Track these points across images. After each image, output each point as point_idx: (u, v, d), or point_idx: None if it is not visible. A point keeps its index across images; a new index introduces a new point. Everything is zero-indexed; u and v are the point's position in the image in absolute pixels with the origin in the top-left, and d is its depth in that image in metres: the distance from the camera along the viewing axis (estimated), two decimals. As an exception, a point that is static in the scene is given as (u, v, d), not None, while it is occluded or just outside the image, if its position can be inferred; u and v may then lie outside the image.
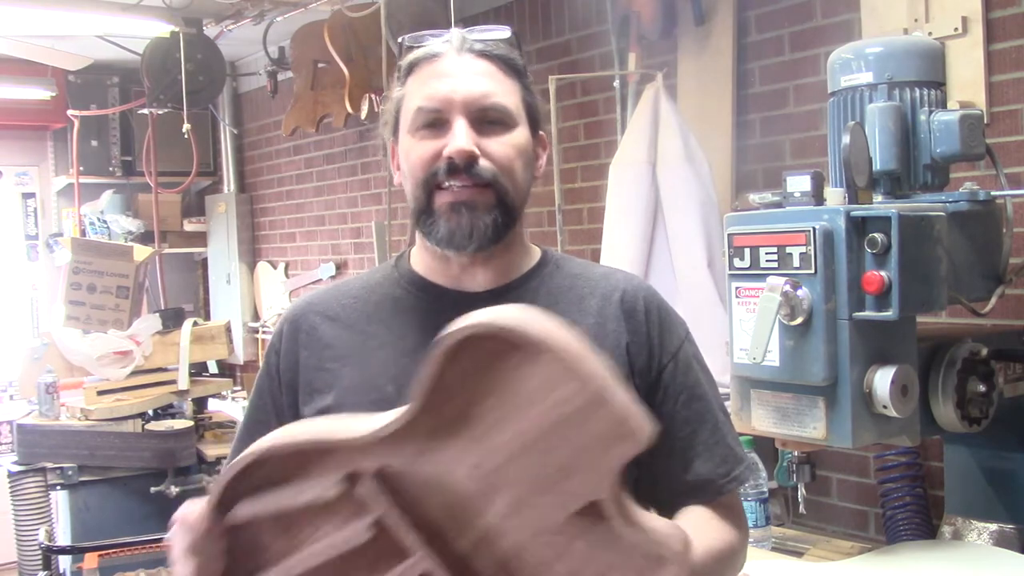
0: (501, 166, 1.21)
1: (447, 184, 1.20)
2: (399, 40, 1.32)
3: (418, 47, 1.27)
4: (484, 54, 1.25)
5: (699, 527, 1.18)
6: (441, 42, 1.26)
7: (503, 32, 1.29)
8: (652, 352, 1.26)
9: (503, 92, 1.23)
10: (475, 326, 0.90)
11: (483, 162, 1.20)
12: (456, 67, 1.23)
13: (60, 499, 3.77)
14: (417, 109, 1.23)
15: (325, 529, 1.00)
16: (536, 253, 1.34)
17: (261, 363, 1.35)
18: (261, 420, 1.30)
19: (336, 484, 0.98)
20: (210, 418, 4.18)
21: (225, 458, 1.38)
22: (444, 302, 1.26)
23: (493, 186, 1.20)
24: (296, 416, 1.28)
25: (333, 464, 0.98)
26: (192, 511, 1.05)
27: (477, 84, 1.22)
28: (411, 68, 1.27)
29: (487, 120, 1.22)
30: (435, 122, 1.22)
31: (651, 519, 0.97)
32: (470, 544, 0.97)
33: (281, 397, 1.30)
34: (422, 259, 1.31)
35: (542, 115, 1.30)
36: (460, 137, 1.19)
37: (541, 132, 1.30)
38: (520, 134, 1.24)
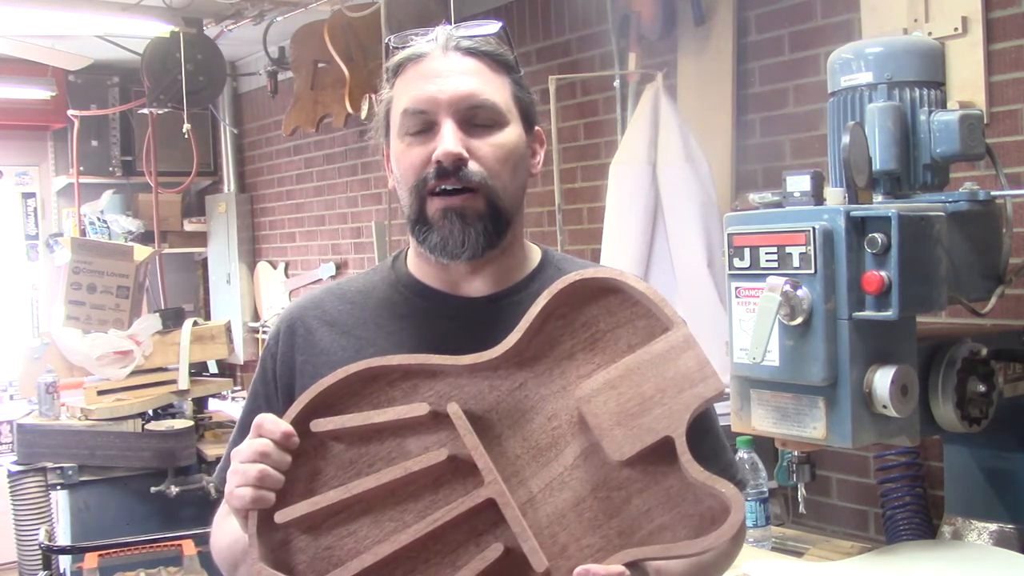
0: (490, 168, 1.18)
1: (438, 189, 1.18)
2: (385, 41, 1.31)
3: (404, 47, 1.25)
4: (471, 51, 1.22)
5: None
6: (426, 41, 1.23)
7: (491, 27, 1.26)
8: None
9: (491, 90, 1.21)
10: (579, 278, 1.01)
11: (472, 164, 1.17)
12: (441, 66, 1.20)
13: (60, 499, 3.77)
14: (404, 112, 1.21)
15: (399, 445, 1.05)
16: (536, 254, 1.32)
17: (257, 366, 1.34)
18: None
19: (423, 405, 1.03)
20: (210, 418, 4.17)
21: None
22: (442, 308, 1.25)
23: (482, 190, 1.18)
24: None
25: (418, 399, 1.04)
26: (269, 418, 1.06)
27: (463, 83, 1.19)
28: (398, 69, 1.24)
29: (476, 120, 1.19)
30: (423, 125, 1.19)
31: (714, 476, 1.00)
32: (532, 493, 1.01)
33: (277, 402, 1.28)
34: (419, 263, 1.29)
35: (536, 110, 1.28)
36: (447, 140, 1.17)
37: (537, 128, 1.28)
38: (511, 132, 1.21)
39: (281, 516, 1.04)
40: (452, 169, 1.17)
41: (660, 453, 0.97)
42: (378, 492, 1.03)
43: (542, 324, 1.01)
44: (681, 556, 0.98)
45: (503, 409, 1.02)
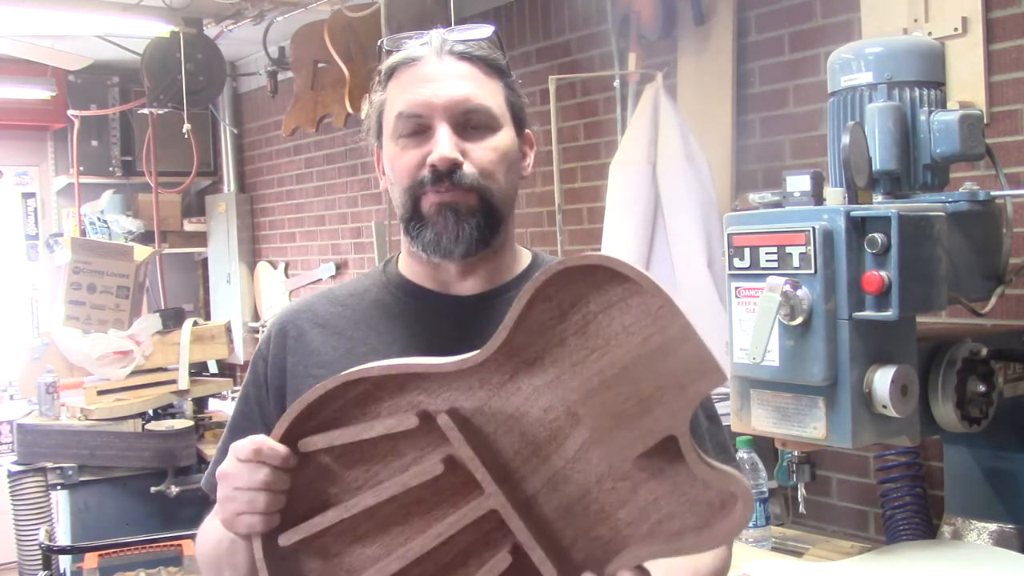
0: (485, 171, 1.20)
1: (432, 192, 1.19)
2: (378, 44, 1.31)
3: (397, 50, 1.26)
4: (465, 56, 1.23)
5: None
6: (420, 45, 1.24)
7: (484, 31, 1.27)
8: None
9: (485, 94, 1.22)
10: (567, 262, 0.93)
11: (467, 167, 1.19)
12: (436, 71, 1.22)
13: (60, 499, 3.77)
14: (398, 115, 1.21)
15: (395, 465, 1.01)
16: (527, 256, 1.33)
17: (248, 369, 1.34)
18: (246, 428, 1.28)
19: (411, 417, 0.99)
20: (210, 418, 4.17)
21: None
22: (433, 307, 1.25)
23: (477, 191, 1.19)
24: None
25: (406, 403, 1.00)
26: (251, 443, 1.02)
27: (458, 87, 1.20)
28: (391, 72, 1.25)
29: (470, 124, 1.21)
30: (417, 128, 1.20)
31: (722, 466, 0.97)
32: (535, 489, 0.99)
33: (268, 404, 1.29)
34: (410, 264, 1.30)
35: (527, 113, 1.29)
36: (443, 144, 1.18)
37: (528, 131, 1.29)
38: (504, 136, 1.23)
39: (284, 539, 1.02)
40: (447, 173, 1.18)
41: (665, 446, 0.95)
42: (382, 507, 1.02)
43: (531, 314, 0.95)
44: (691, 551, 0.96)
45: (496, 404, 0.99)
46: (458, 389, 0.99)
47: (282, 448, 1.02)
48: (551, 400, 0.97)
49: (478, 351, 0.98)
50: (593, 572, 0.95)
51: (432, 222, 1.20)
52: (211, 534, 1.22)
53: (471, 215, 1.19)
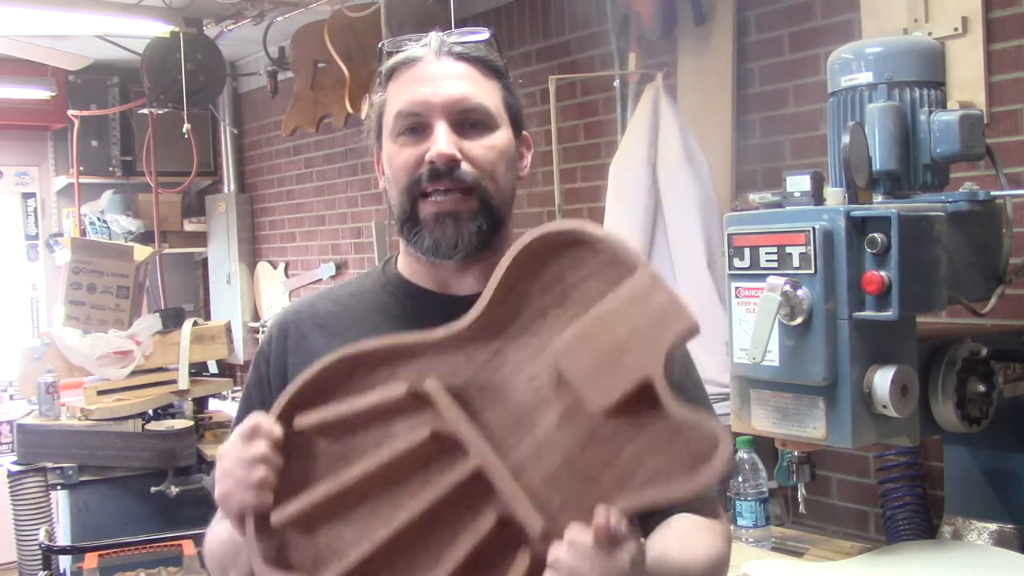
0: (483, 169, 1.21)
1: (430, 191, 1.20)
2: (379, 46, 1.33)
3: (397, 52, 1.28)
4: (463, 56, 1.25)
5: (686, 537, 1.20)
6: (419, 46, 1.26)
7: (481, 34, 1.29)
8: None
9: (483, 93, 1.23)
10: (536, 232, 0.98)
11: (465, 165, 1.20)
12: (435, 70, 1.23)
13: (60, 499, 3.77)
14: (397, 114, 1.23)
15: (385, 433, 1.04)
16: None
17: (250, 370, 1.35)
18: None
19: (400, 386, 1.03)
20: (210, 418, 4.17)
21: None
22: (433, 307, 1.26)
23: (476, 190, 1.20)
24: None
25: (397, 379, 1.03)
26: (249, 420, 1.06)
27: (456, 87, 1.22)
28: (391, 73, 1.27)
29: (468, 123, 1.22)
30: (416, 127, 1.22)
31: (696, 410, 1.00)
32: (521, 459, 1.00)
33: (271, 403, 1.29)
34: (409, 264, 1.31)
35: (524, 114, 1.30)
36: (441, 141, 1.19)
37: (525, 132, 1.31)
38: (502, 135, 1.24)
39: (277, 516, 1.03)
40: (445, 170, 1.19)
41: (643, 401, 0.97)
42: (371, 480, 1.03)
43: (511, 288, 1.00)
44: (678, 498, 0.98)
45: (483, 379, 1.02)
46: (446, 366, 1.03)
47: (278, 427, 1.06)
48: (535, 369, 1.01)
49: (461, 320, 1.02)
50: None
51: (429, 228, 1.21)
52: (217, 535, 1.23)
53: (471, 219, 1.21)
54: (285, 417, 1.06)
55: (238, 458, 1.05)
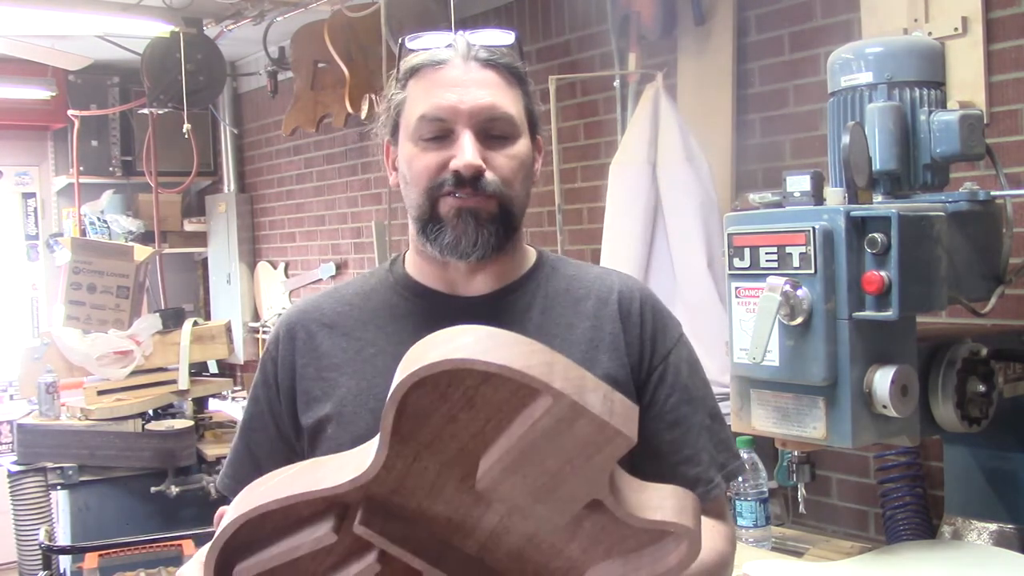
0: (505, 178, 1.21)
1: (454, 192, 1.20)
2: (399, 40, 1.31)
3: (420, 50, 1.26)
4: (489, 63, 1.24)
5: None
6: (445, 47, 1.24)
7: (507, 37, 1.28)
8: (644, 353, 1.26)
9: (508, 102, 1.23)
10: (430, 366, 0.86)
11: (489, 175, 1.20)
12: (462, 76, 1.22)
13: (60, 499, 3.77)
14: (420, 117, 1.22)
15: (332, 570, 0.99)
16: (532, 255, 1.33)
17: (257, 370, 1.35)
18: (258, 428, 1.30)
19: (331, 527, 0.96)
20: (210, 418, 4.18)
21: (224, 458, 1.37)
22: (441, 307, 1.25)
23: (498, 198, 1.21)
24: (295, 423, 1.27)
25: (323, 504, 0.97)
26: None
27: (483, 95, 1.21)
28: (413, 72, 1.25)
29: (492, 131, 1.21)
30: (440, 131, 1.21)
31: (657, 495, 0.96)
32: (479, 544, 0.97)
33: (279, 406, 1.29)
34: (418, 264, 1.30)
35: (540, 118, 1.30)
36: (468, 151, 1.19)
37: (538, 136, 1.30)
38: (523, 144, 1.24)
39: None
40: (470, 179, 1.19)
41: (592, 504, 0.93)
42: None
43: (406, 402, 0.89)
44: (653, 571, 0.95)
45: (411, 483, 0.94)
46: (371, 486, 0.95)
47: None
48: (464, 470, 0.93)
49: (371, 458, 0.93)
50: None
51: (451, 225, 1.21)
52: None
53: (491, 221, 1.21)
54: (220, 568, 0.99)
55: None
